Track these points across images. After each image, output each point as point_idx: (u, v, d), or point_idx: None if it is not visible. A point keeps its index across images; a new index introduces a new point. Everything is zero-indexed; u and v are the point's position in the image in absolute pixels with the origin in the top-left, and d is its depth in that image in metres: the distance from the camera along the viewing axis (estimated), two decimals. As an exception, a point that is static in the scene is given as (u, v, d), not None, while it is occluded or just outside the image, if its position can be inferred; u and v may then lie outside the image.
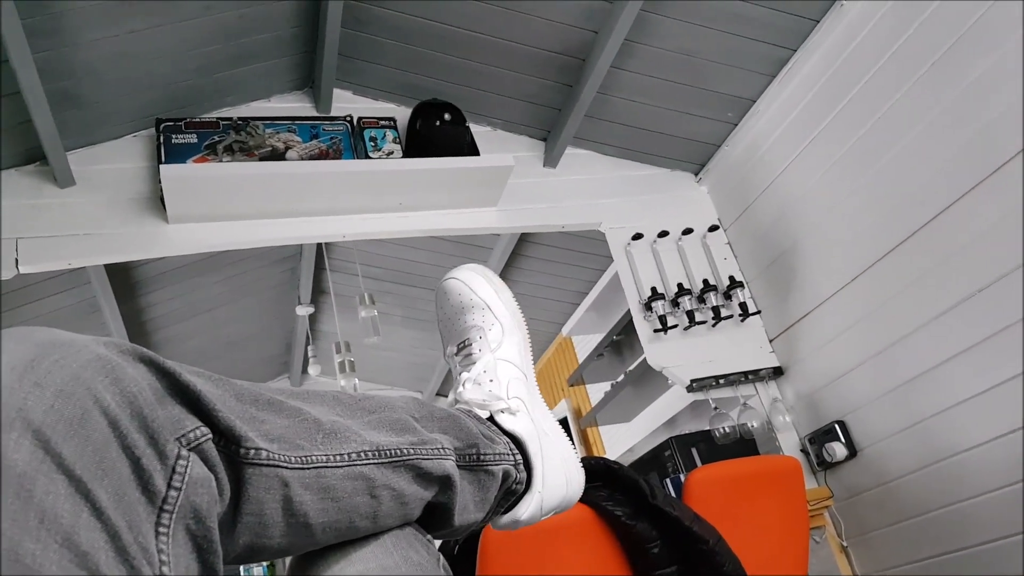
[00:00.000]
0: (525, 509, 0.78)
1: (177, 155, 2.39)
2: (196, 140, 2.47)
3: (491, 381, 0.84)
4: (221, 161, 2.42)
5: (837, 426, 2.45)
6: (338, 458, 0.61)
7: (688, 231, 2.85)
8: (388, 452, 0.65)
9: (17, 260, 2.17)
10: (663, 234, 2.83)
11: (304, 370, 4.94)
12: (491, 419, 0.81)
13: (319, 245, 3.63)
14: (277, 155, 2.51)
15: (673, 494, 2.17)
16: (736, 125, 2.81)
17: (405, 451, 0.66)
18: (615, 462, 1.53)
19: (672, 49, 2.49)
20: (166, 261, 3.18)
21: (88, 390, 0.45)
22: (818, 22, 2.39)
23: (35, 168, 2.33)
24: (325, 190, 2.49)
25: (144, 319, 3.56)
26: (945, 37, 2.00)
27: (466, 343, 0.89)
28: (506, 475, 0.76)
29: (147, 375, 0.51)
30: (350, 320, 3.82)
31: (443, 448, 0.70)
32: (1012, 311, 1.88)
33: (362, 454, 0.63)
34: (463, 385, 0.85)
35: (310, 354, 4.11)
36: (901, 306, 2.21)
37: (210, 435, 0.53)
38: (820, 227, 2.51)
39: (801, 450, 2.59)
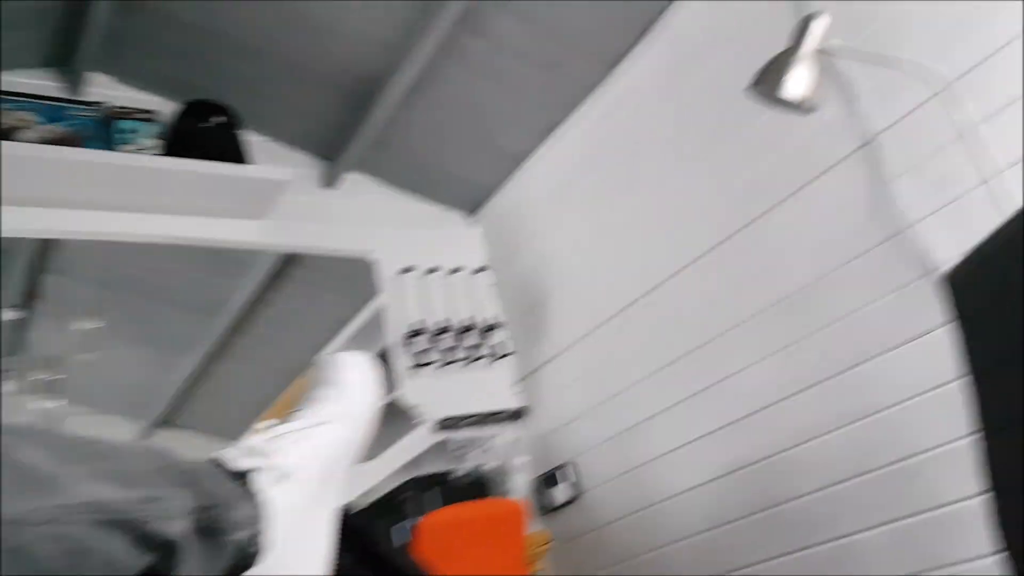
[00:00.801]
0: None
1: None
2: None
3: (288, 441, 0.74)
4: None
5: (563, 469, 2.61)
6: (41, 513, 0.50)
7: (457, 269, 2.94)
8: (106, 509, 0.55)
9: None
10: (433, 270, 2.89)
11: (-5, 387, 4.22)
12: (248, 473, 0.70)
13: (40, 241, 3.19)
14: (5, 135, 2.20)
15: (408, 538, 2.17)
16: (511, 175, 2.98)
17: (127, 509, 0.56)
18: (344, 507, 1.47)
19: (460, 94, 2.62)
20: None
21: None
22: (589, 93, 2.64)
23: None
24: (58, 179, 2.21)
25: None
26: (686, 128, 2.33)
27: (294, 411, 0.79)
28: (241, 546, 0.67)
29: None
30: (65, 332, 3.37)
31: (175, 507, 0.61)
32: (708, 376, 2.21)
33: (73, 509, 0.52)
34: (257, 431, 0.74)
35: (4, 367, 3.54)
36: (625, 360, 2.48)
37: None
38: (570, 279, 2.74)
39: (531, 492, 2.72)
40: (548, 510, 2.64)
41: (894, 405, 1.81)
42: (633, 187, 2.51)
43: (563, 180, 2.79)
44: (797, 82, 1.65)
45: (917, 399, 1.77)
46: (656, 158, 2.43)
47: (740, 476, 2.14)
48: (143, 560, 0.58)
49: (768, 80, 1.68)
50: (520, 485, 2.73)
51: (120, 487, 0.57)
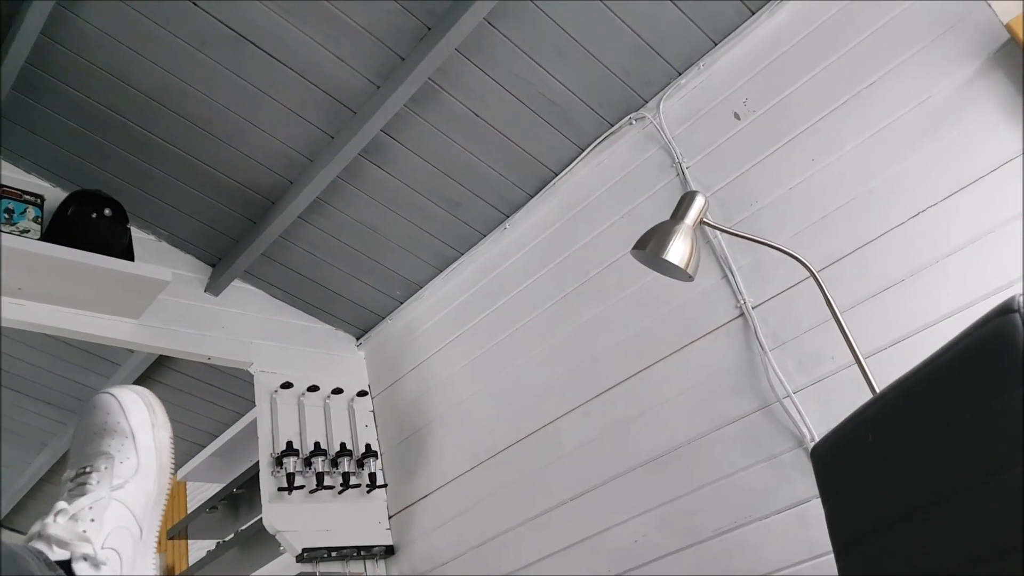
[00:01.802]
0: None
1: None
2: None
3: (91, 521, 0.70)
4: None
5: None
6: None
7: (338, 391, 2.85)
8: None
9: None
10: (313, 388, 2.79)
11: None
12: (67, 564, 0.67)
13: None
14: None
15: None
16: (401, 303, 2.97)
17: None
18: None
19: (358, 219, 2.62)
20: None
21: None
22: (484, 235, 2.70)
23: None
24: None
25: None
26: (573, 279, 2.39)
27: (87, 469, 0.75)
28: None
29: None
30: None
31: None
32: (584, 528, 2.16)
33: None
34: (55, 517, 0.70)
35: None
36: (501, 505, 2.40)
37: None
38: (451, 415, 2.68)
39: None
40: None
41: (771, 573, 1.78)
42: (521, 329, 2.52)
43: (453, 314, 2.79)
44: (677, 250, 1.70)
45: (793, 568, 1.74)
46: (545, 304, 2.46)
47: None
48: None
49: (652, 244, 1.73)
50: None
51: None
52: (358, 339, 3.13)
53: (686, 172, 2.16)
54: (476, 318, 2.68)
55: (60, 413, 3.46)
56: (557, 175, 2.49)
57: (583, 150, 2.42)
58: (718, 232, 2.02)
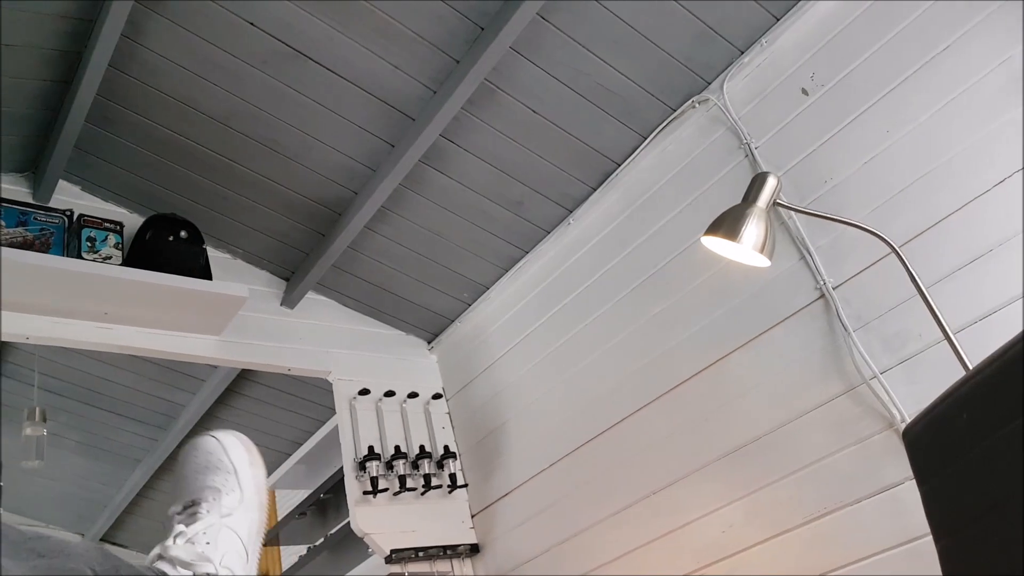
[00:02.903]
0: None
1: None
2: None
3: (207, 544, 0.76)
4: None
5: (520, 613, 2.49)
6: None
7: (414, 395, 2.89)
8: None
9: None
10: (390, 394, 2.84)
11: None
12: None
13: (-6, 344, 3.12)
14: (-30, 236, 2.19)
15: None
16: (470, 305, 2.98)
17: None
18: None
19: (423, 225, 2.65)
20: None
21: None
22: (548, 233, 2.69)
23: None
24: (19, 283, 2.19)
25: None
26: (642, 271, 2.36)
27: (195, 502, 0.80)
28: None
29: None
30: (10, 436, 3.25)
31: None
32: (672, 517, 2.13)
33: None
34: (174, 540, 0.75)
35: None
36: (582, 500, 2.39)
37: None
38: (525, 414, 2.68)
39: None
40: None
41: (862, 559, 1.73)
42: (591, 324, 2.50)
43: (521, 314, 2.78)
44: (751, 234, 1.66)
45: (885, 554, 1.69)
46: (614, 298, 2.43)
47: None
48: None
49: (723, 230, 1.70)
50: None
51: None
52: (429, 343, 3.16)
53: (755, 153, 2.10)
54: (544, 316, 2.67)
55: (151, 430, 3.61)
56: (620, 166, 2.46)
57: (645, 138, 2.38)
58: (792, 213, 1.96)
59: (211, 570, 0.74)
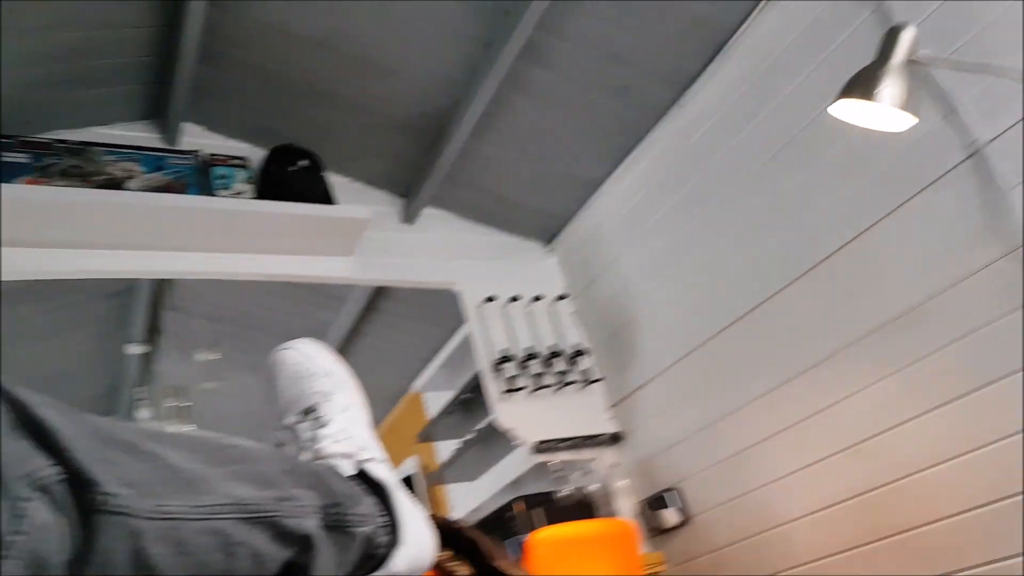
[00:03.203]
0: (393, 567, 0.74)
1: (6, 173, 2.19)
2: (28, 160, 2.28)
3: (350, 438, 0.81)
4: (54, 185, 2.24)
5: (670, 493, 2.54)
6: (195, 510, 0.56)
7: (538, 298, 2.92)
8: (248, 507, 0.60)
9: None
10: (514, 299, 2.88)
11: (131, 414, 4.57)
12: (359, 475, 0.77)
13: (158, 281, 3.40)
14: (115, 184, 2.36)
15: (516, 554, 2.18)
16: (585, 203, 2.93)
17: (266, 507, 0.61)
18: (454, 520, 1.50)
19: (528, 127, 2.59)
20: (-24, 287, 2.87)
21: None
22: (661, 117, 2.55)
23: None
24: (166, 224, 2.36)
25: (-58, 350, 3.18)
26: (769, 146, 2.21)
27: (312, 408, 0.84)
28: (368, 538, 0.72)
29: None
30: (187, 363, 3.59)
31: (306, 506, 0.65)
32: (825, 395, 2.07)
33: (221, 507, 0.58)
34: (322, 442, 0.80)
35: (137, 396, 3.81)
36: (727, 384, 2.37)
37: (61, 476, 0.48)
38: (656, 305, 2.65)
39: (637, 515, 2.66)
40: (659, 532, 2.57)
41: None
42: (718, 206, 2.39)
43: (641, 204, 2.70)
44: (890, 93, 1.50)
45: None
46: (740, 177, 2.31)
47: (860, 503, 2.00)
48: (285, 553, 0.63)
49: (857, 92, 1.54)
50: (625, 507, 2.67)
51: (256, 488, 0.62)
52: (547, 245, 3.15)
53: (886, 4, 1.86)
54: (666, 204, 2.58)
55: (306, 347, 3.87)
56: (734, 34, 2.27)
57: (760, 1, 2.17)
58: (931, 67, 1.74)
59: (370, 455, 0.79)
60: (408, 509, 0.77)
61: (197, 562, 0.56)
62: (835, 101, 1.59)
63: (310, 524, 0.65)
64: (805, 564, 2.14)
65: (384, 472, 0.79)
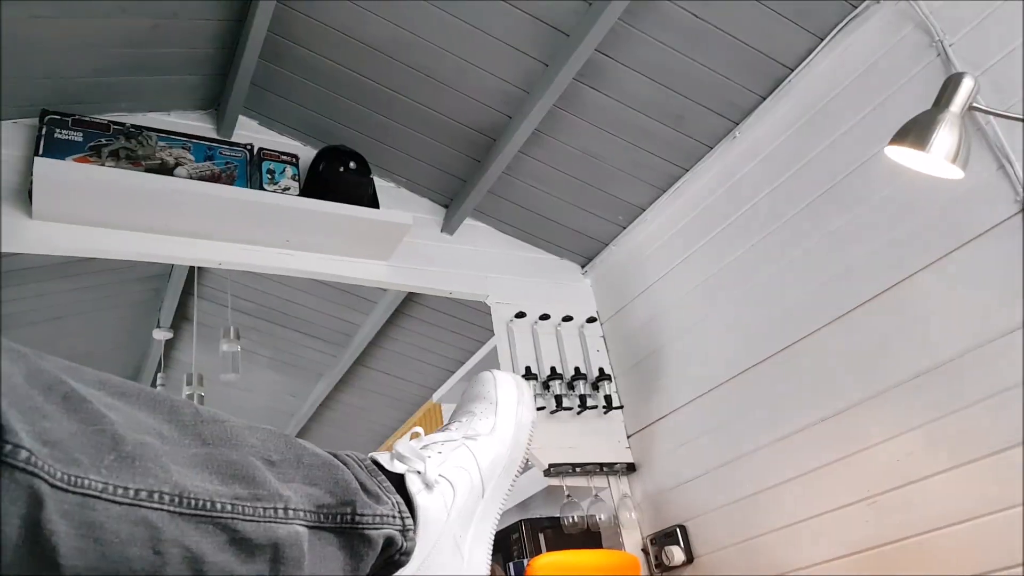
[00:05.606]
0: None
1: (57, 150, 2.24)
2: (81, 139, 2.33)
3: (439, 453, 0.74)
4: (103, 165, 2.30)
5: (678, 530, 2.51)
6: (121, 492, 0.48)
7: (568, 318, 2.93)
8: (193, 502, 0.51)
9: None
10: (544, 317, 2.89)
11: (150, 398, 4.60)
12: (401, 478, 0.70)
13: (191, 269, 3.45)
14: (165, 169, 2.41)
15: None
16: (624, 228, 2.94)
17: (219, 505, 0.52)
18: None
19: (577, 147, 2.61)
20: (17, 259, 2.92)
21: None
22: (711, 148, 2.57)
23: None
24: (210, 213, 2.40)
25: (-23, 316, 3.24)
26: (817, 185, 2.21)
27: (450, 423, 0.82)
28: (389, 541, 0.64)
29: None
30: (209, 353, 3.62)
31: (289, 508, 0.57)
32: (846, 444, 2.04)
33: (155, 495, 0.49)
34: (409, 438, 0.75)
35: (159, 382, 3.84)
36: (748, 424, 2.34)
37: None
38: (684, 337, 2.64)
39: (642, 549, 2.63)
40: (663, 569, 2.54)
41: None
42: (759, 244, 2.39)
43: (681, 234, 2.71)
44: (943, 142, 1.50)
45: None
46: (785, 215, 2.31)
47: (870, 556, 1.96)
48: (243, 566, 0.54)
49: (910, 140, 1.55)
50: (631, 541, 2.64)
51: (219, 480, 0.55)
52: (583, 267, 3.17)
53: (949, 51, 1.88)
54: (706, 236, 2.59)
55: (331, 347, 3.89)
56: (793, 71, 2.29)
57: (822, 40, 2.19)
58: (991, 117, 1.75)
59: (421, 469, 0.71)
60: (432, 545, 0.70)
61: (109, 553, 0.48)
62: (888, 145, 1.60)
63: (286, 531, 0.56)
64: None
65: (428, 502, 0.70)
